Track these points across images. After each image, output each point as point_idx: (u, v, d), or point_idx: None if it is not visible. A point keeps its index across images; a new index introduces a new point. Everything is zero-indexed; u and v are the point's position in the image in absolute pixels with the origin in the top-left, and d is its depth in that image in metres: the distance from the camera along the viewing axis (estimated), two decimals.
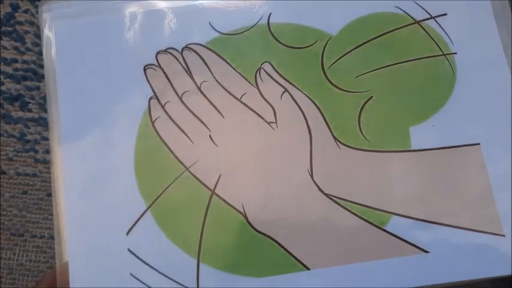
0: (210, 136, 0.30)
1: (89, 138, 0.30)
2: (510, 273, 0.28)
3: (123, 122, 0.30)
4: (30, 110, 0.35)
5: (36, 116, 0.35)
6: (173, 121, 0.30)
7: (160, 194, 0.29)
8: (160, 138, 0.30)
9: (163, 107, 0.30)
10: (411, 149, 0.29)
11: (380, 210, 0.29)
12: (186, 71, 0.31)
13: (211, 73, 0.31)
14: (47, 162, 0.34)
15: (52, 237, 0.34)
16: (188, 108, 0.30)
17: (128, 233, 0.29)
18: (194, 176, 0.29)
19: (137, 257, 0.29)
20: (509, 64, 0.30)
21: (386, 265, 0.28)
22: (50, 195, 0.34)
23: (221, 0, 0.31)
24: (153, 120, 0.30)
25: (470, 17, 0.30)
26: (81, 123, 0.30)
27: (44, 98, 0.34)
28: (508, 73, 0.30)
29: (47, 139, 0.34)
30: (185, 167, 0.30)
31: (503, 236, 0.28)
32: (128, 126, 0.30)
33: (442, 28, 0.30)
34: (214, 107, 0.30)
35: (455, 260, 0.28)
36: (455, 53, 0.30)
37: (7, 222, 0.34)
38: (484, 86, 0.30)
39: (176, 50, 0.31)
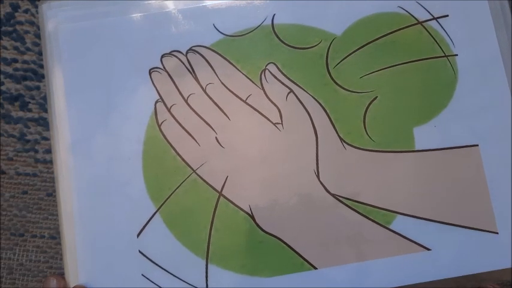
0: (216, 138, 0.30)
1: (98, 143, 0.30)
2: (506, 267, 0.29)
3: (130, 125, 0.30)
4: (30, 110, 0.34)
5: (36, 116, 0.34)
6: (179, 124, 0.30)
7: (169, 197, 0.30)
8: (167, 141, 0.30)
9: (169, 109, 0.30)
10: (415, 149, 0.30)
11: (385, 209, 0.29)
12: (191, 74, 0.31)
13: (216, 75, 0.31)
14: (47, 162, 0.34)
15: (52, 237, 0.34)
16: (194, 111, 0.30)
17: (138, 235, 0.29)
18: (201, 178, 0.30)
19: (148, 259, 0.29)
20: (507, 66, 0.30)
21: (391, 263, 0.29)
22: (50, 195, 0.34)
23: (225, 1, 0.31)
24: (160, 123, 0.30)
25: (470, 19, 0.31)
26: (89, 128, 0.30)
27: (44, 98, 0.34)
28: (504, 76, 0.30)
29: (47, 139, 0.34)
30: (192, 169, 0.30)
31: (497, 233, 0.29)
32: (135, 130, 0.30)
33: (443, 29, 0.31)
34: (220, 109, 0.30)
35: (455, 256, 0.29)
36: (457, 55, 0.31)
37: (7, 222, 0.34)
38: (483, 89, 0.30)
39: (181, 52, 0.31)
